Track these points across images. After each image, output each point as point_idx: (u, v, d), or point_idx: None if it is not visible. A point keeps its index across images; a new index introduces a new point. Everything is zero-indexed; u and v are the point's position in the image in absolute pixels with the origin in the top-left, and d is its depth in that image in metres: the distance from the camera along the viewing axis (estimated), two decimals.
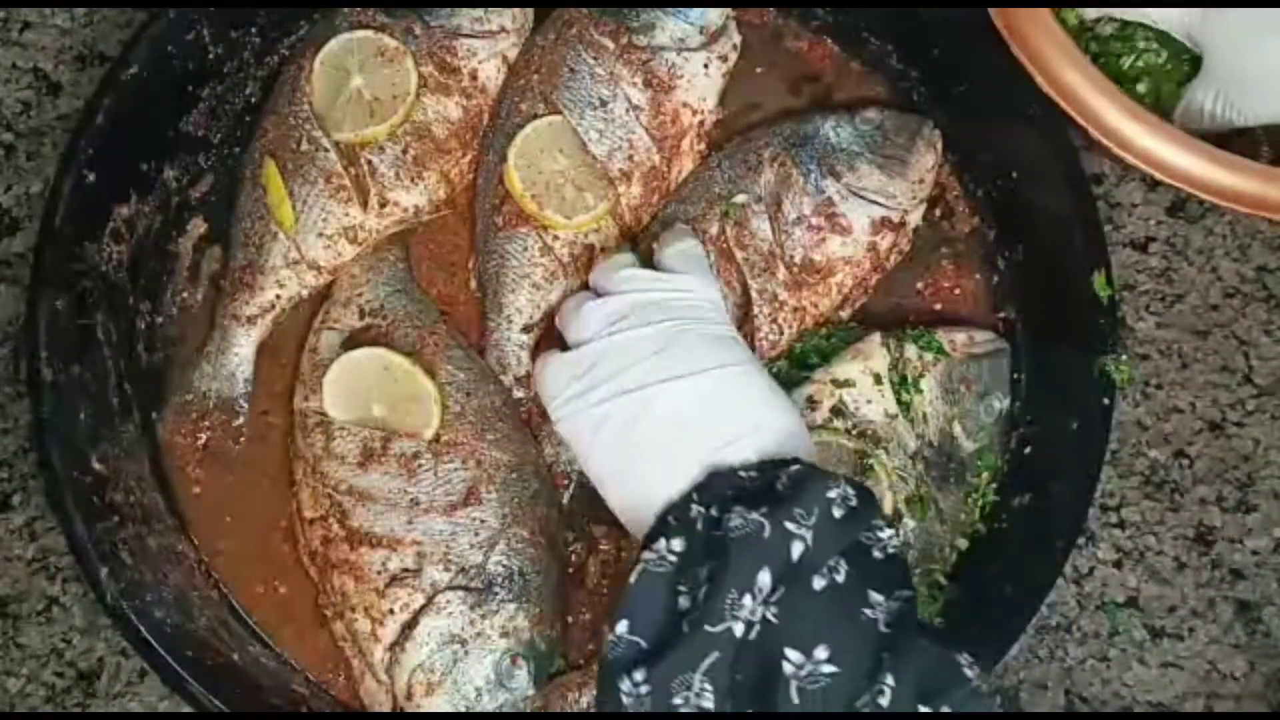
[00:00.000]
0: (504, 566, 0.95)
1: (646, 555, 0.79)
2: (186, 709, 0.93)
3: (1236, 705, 1.01)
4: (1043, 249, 1.02)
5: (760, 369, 0.89)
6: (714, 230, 1.01)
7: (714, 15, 1.05)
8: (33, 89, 1.12)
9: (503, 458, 0.97)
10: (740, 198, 1.02)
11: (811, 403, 0.98)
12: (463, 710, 0.92)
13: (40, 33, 1.13)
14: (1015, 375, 1.02)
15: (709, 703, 0.74)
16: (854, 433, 0.97)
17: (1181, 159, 0.92)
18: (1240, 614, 1.03)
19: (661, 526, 0.82)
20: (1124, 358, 0.97)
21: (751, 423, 0.85)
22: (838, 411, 0.97)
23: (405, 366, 0.98)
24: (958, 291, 1.06)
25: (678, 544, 0.79)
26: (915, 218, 1.04)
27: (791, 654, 0.74)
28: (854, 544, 0.78)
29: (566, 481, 1.01)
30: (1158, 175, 0.93)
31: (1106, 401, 0.95)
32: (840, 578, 0.76)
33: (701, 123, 1.06)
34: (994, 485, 1.00)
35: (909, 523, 0.96)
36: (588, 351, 0.89)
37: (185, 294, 1.06)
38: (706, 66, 1.05)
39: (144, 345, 1.03)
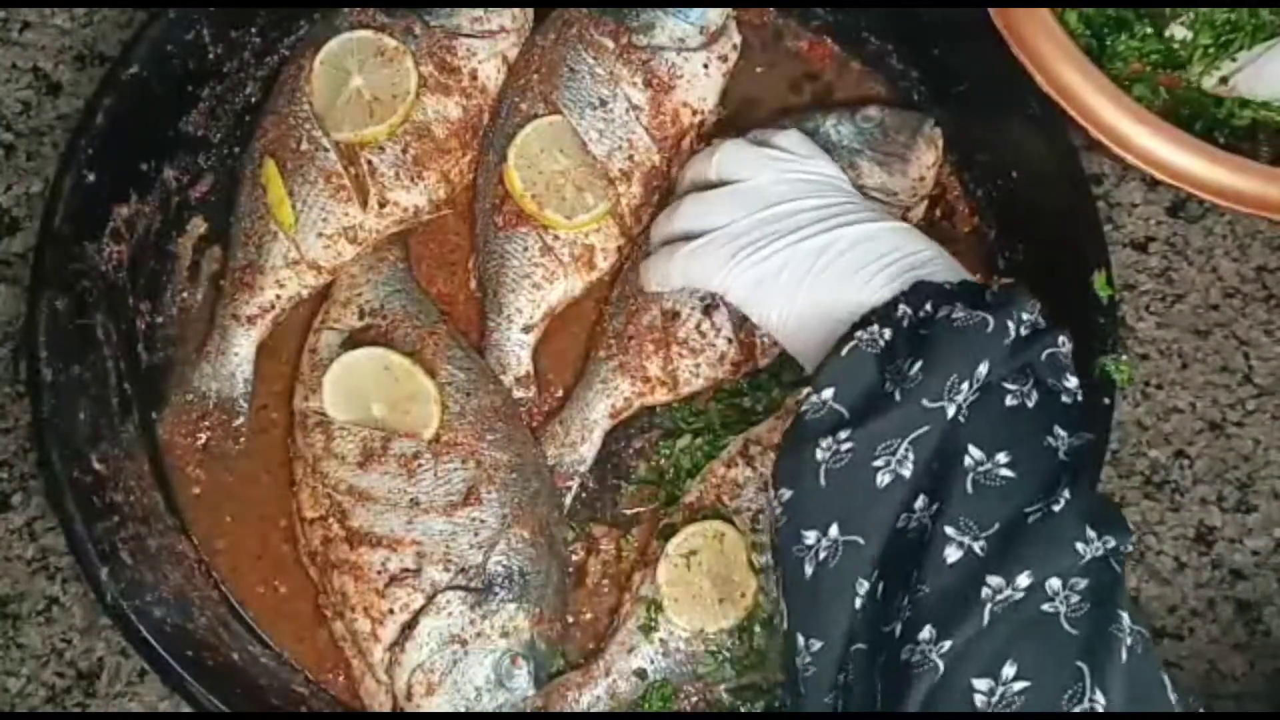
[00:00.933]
0: (504, 566, 0.95)
1: (860, 334, 0.81)
2: (186, 709, 0.93)
3: (1236, 705, 1.01)
4: (1043, 249, 1.02)
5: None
6: None
7: (714, 15, 1.05)
8: (33, 89, 1.12)
9: (503, 458, 0.97)
10: None
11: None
12: (463, 710, 0.92)
13: (40, 33, 1.13)
14: None
15: (907, 470, 0.77)
16: None
17: (1181, 159, 0.92)
18: (1240, 614, 1.03)
19: (864, 322, 0.83)
20: (1124, 358, 0.96)
21: (938, 251, 0.87)
22: None
23: (405, 366, 0.98)
24: None
25: (887, 333, 0.81)
26: (916, 214, 1.04)
27: (974, 450, 0.76)
28: (1043, 384, 0.80)
29: (569, 484, 1.01)
30: (1158, 175, 0.93)
31: (1106, 401, 0.95)
32: (1031, 403, 0.79)
33: (702, 123, 1.06)
34: None
35: None
36: (738, 229, 0.91)
37: (185, 294, 1.06)
38: (706, 66, 1.05)
39: (144, 345, 1.04)
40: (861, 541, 0.77)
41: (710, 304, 1.00)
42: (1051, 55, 0.93)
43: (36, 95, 1.12)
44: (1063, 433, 0.79)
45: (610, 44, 1.04)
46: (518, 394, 1.02)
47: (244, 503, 1.01)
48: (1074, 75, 0.93)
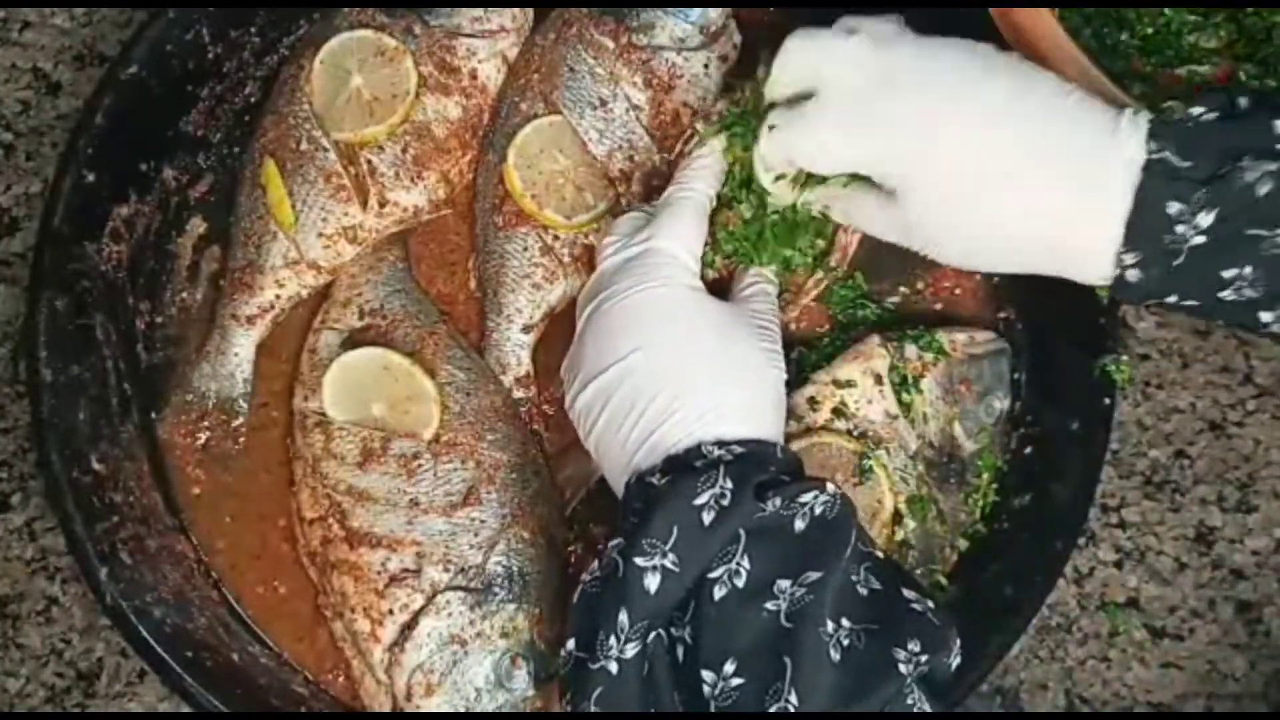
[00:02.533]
0: (504, 567, 0.95)
1: (584, 576, 0.80)
2: (186, 709, 0.93)
3: (1236, 705, 1.01)
4: None
5: (717, 332, 0.85)
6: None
7: (714, 15, 1.05)
8: (32, 89, 1.12)
9: (503, 458, 0.97)
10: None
11: (813, 403, 0.97)
12: (463, 710, 0.92)
13: (40, 32, 1.13)
14: (1015, 375, 1.02)
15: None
16: (855, 434, 0.97)
17: None
18: (1240, 614, 1.03)
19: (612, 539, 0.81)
20: (1124, 358, 0.96)
21: (664, 415, 0.81)
22: (838, 412, 0.97)
23: (405, 366, 0.98)
24: (958, 291, 1.06)
25: (597, 567, 0.80)
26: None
27: (706, 675, 0.74)
28: (759, 526, 0.76)
29: (568, 498, 1.01)
30: None
31: (1107, 401, 0.95)
32: (741, 580, 0.75)
33: None
34: (994, 485, 1.00)
35: (909, 523, 0.96)
36: (573, 344, 0.88)
37: (185, 294, 1.06)
38: (707, 66, 1.05)
39: (144, 345, 1.04)
40: None
41: None
42: (1052, 55, 0.93)
43: (36, 95, 1.12)
44: (785, 585, 0.75)
45: (610, 44, 1.04)
46: (518, 394, 1.02)
47: (244, 503, 1.01)
48: (1074, 75, 0.93)
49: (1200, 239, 0.76)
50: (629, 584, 0.76)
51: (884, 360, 0.99)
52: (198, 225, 1.07)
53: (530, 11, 1.08)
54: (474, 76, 1.05)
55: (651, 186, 1.04)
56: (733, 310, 0.88)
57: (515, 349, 1.03)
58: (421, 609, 0.93)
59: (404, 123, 1.03)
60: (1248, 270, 0.76)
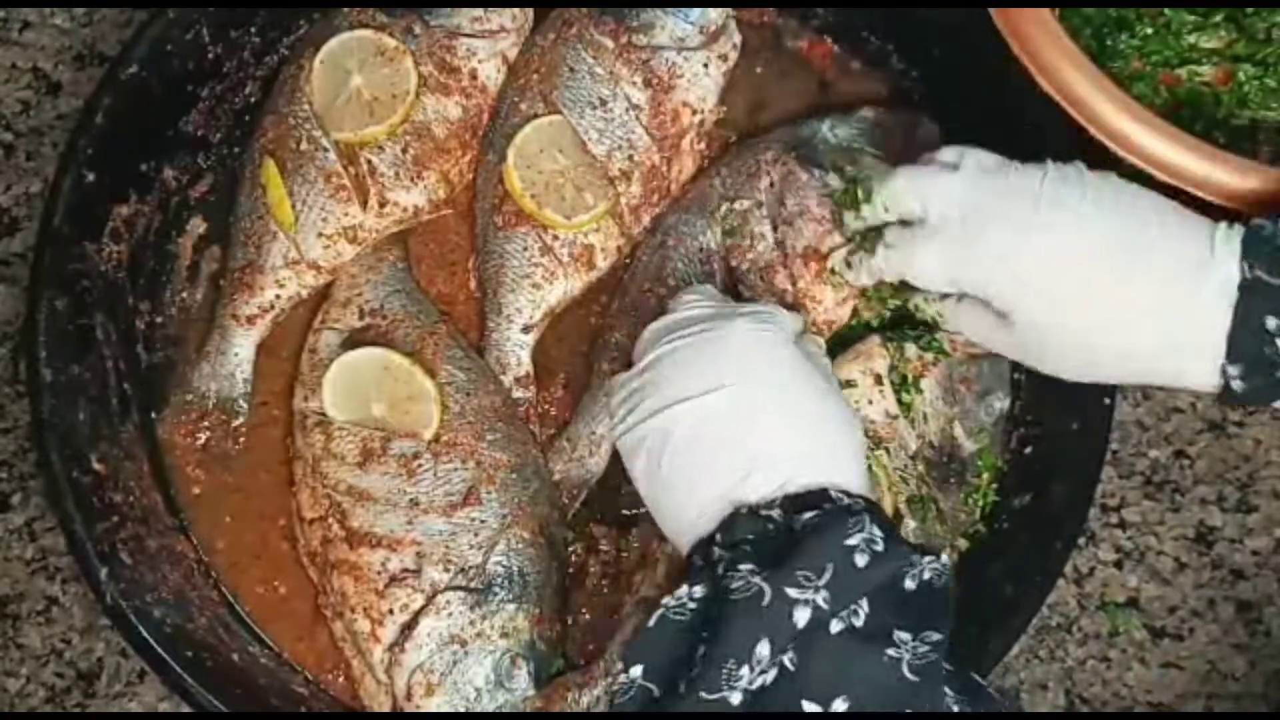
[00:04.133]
0: (504, 567, 0.94)
1: (668, 601, 0.78)
2: (186, 709, 0.93)
3: (1236, 705, 1.01)
4: None
5: (811, 381, 0.85)
6: (713, 243, 1.01)
7: (714, 15, 1.05)
8: (32, 89, 1.12)
9: (503, 458, 0.97)
10: (741, 204, 1.02)
11: None
12: (462, 710, 0.92)
13: (40, 32, 1.13)
14: (1015, 375, 1.02)
15: None
16: None
17: (1181, 159, 0.92)
18: (1240, 614, 1.03)
19: (690, 568, 0.80)
20: None
21: (774, 450, 0.80)
22: None
23: (405, 366, 0.98)
24: None
25: (699, 590, 0.77)
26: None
27: (809, 706, 0.72)
28: (881, 581, 0.75)
29: (576, 496, 1.01)
30: (1158, 175, 0.92)
31: (1107, 401, 0.95)
32: (859, 620, 0.73)
33: (701, 122, 1.06)
34: (994, 485, 1.00)
35: (909, 523, 0.96)
36: (634, 371, 0.86)
37: (185, 294, 1.06)
38: (706, 66, 1.05)
39: (144, 345, 1.04)
40: None
41: None
42: (1051, 55, 0.93)
43: (36, 95, 1.12)
44: (905, 636, 0.73)
45: (610, 44, 1.04)
46: (517, 394, 1.02)
47: (244, 503, 1.01)
48: (1074, 75, 0.93)
49: None
50: (775, 613, 0.72)
51: (884, 360, 0.99)
52: (198, 225, 1.07)
53: (530, 11, 1.08)
54: (474, 76, 1.05)
55: (651, 187, 1.04)
56: (823, 367, 0.89)
57: (515, 349, 1.03)
58: (421, 609, 0.93)
59: (404, 123, 1.03)
60: None
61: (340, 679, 0.98)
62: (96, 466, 0.96)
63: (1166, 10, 1.01)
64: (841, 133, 1.04)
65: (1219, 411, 1.06)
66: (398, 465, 0.96)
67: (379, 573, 0.94)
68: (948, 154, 0.88)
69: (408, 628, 0.93)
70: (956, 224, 0.85)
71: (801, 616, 0.73)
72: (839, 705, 0.71)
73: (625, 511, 1.02)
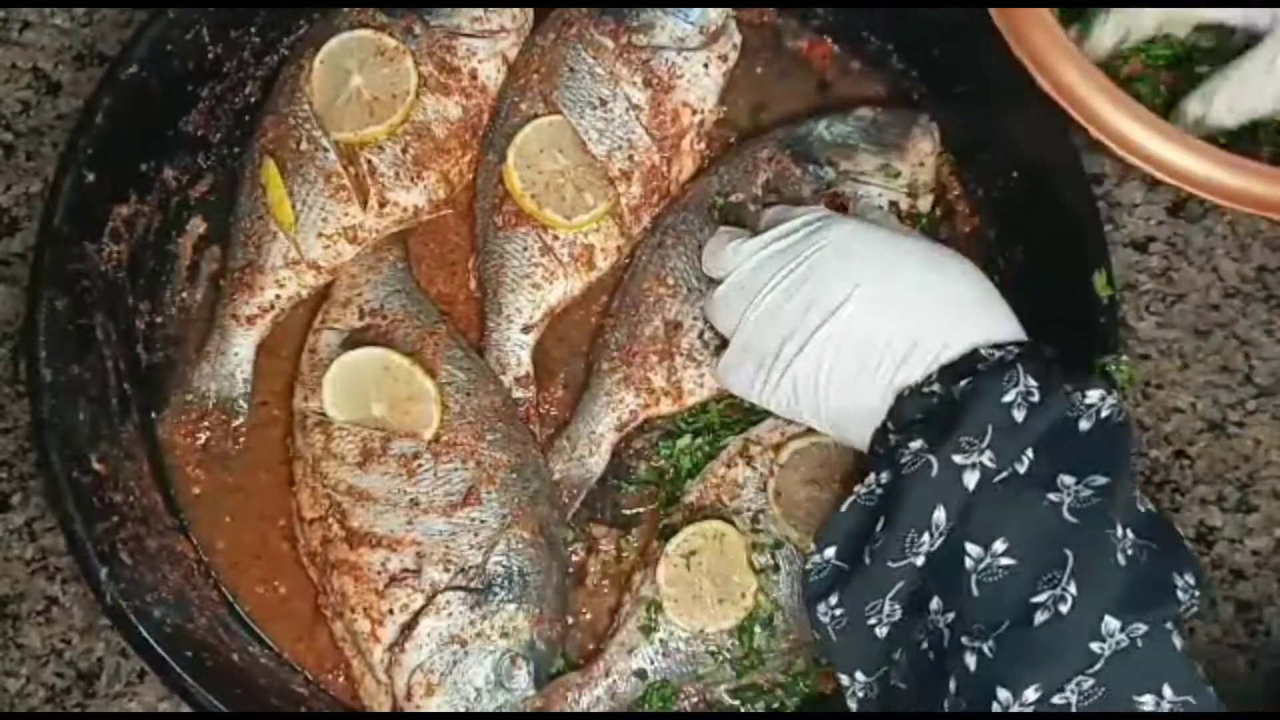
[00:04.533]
0: (504, 567, 0.94)
1: (858, 488, 0.82)
2: (186, 709, 0.93)
3: (1236, 705, 1.01)
4: (1043, 249, 1.02)
5: (915, 253, 0.87)
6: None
7: (714, 15, 1.05)
8: (32, 89, 1.12)
9: (503, 458, 0.97)
10: (736, 196, 1.02)
11: None
12: (463, 710, 0.92)
13: (40, 32, 1.13)
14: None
15: (898, 615, 0.79)
16: None
17: (1182, 159, 0.92)
18: (1240, 614, 1.02)
19: (872, 457, 0.84)
20: (1124, 358, 0.96)
21: (917, 330, 0.83)
22: None
23: (405, 366, 0.98)
24: None
25: (885, 476, 0.81)
26: (924, 205, 1.04)
27: (971, 548, 0.76)
28: (1048, 428, 0.78)
29: (576, 496, 1.01)
30: (1158, 175, 0.92)
31: None
32: (1023, 468, 0.77)
33: (701, 122, 1.06)
34: None
35: None
36: (740, 337, 0.90)
37: (185, 294, 1.06)
38: (706, 66, 1.05)
39: (144, 345, 1.04)
40: (890, 678, 0.81)
41: None
42: (1051, 55, 0.93)
43: (36, 95, 1.12)
44: (1069, 480, 0.77)
45: (610, 44, 1.04)
46: (517, 394, 1.02)
47: (244, 503, 1.01)
48: (1074, 75, 0.93)
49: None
50: (945, 480, 0.77)
51: None
52: (198, 225, 1.07)
53: (530, 11, 1.08)
54: (474, 76, 1.05)
55: (651, 186, 1.04)
56: (907, 230, 0.93)
57: (515, 349, 1.03)
58: (421, 609, 0.93)
59: (404, 123, 1.03)
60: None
61: (340, 679, 0.98)
62: (96, 466, 0.96)
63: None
64: (837, 130, 1.04)
65: (1219, 411, 1.06)
66: (398, 465, 0.96)
67: (379, 573, 0.94)
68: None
69: (408, 628, 0.93)
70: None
71: (971, 479, 0.77)
72: (998, 546, 0.75)
73: (625, 511, 1.02)
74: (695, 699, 0.96)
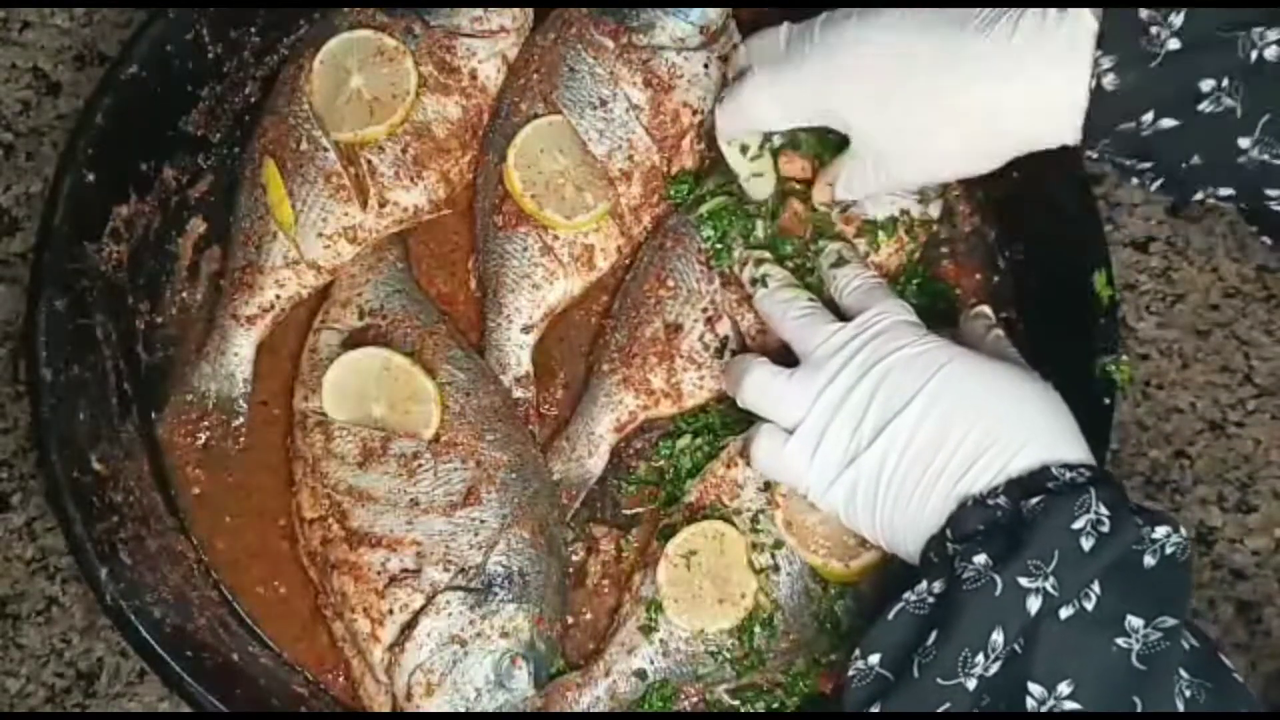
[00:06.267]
0: (504, 567, 0.94)
1: (907, 595, 0.78)
2: (186, 709, 0.93)
3: None
4: (1043, 249, 1.02)
5: (989, 366, 0.85)
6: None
7: (714, 15, 1.05)
8: (32, 89, 1.12)
9: (503, 458, 0.97)
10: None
11: None
12: (463, 710, 0.92)
13: (40, 32, 1.13)
14: None
15: None
16: None
17: None
18: (1240, 614, 1.02)
19: (925, 564, 0.81)
20: (1124, 358, 0.96)
21: (984, 439, 0.80)
22: None
23: (405, 366, 0.98)
24: (958, 291, 1.06)
25: (938, 585, 0.78)
26: (934, 211, 1.03)
27: (1034, 688, 0.72)
28: (1114, 561, 0.74)
29: (575, 497, 1.01)
30: None
31: (1107, 401, 0.95)
32: (1090, 604, 0.74)
33: (702, 122, 1.06)
34: None
35: None
36: (807, 431, 0.86)
37: (185, 294, 1.06)
38: (706, 66, 1.05)
39: (144, 345, 1.04)
40: None
41: (713, 315, 1.00)
42: None
43: (36, 95, 1.12)
44: (1138, 622, 0.73)
45: (610, 44, 1.04)
46: (517, 394, 1.02)
47: (244, 502, 1.01)
48: None
49: (1175, 42, 0.77)
50: (1008, 603, 0.73)
51: None
52: (198, 225, 1.07)
53: (530, 11, 1.08)
54: (474, 76, 1.05)
55: (651, 187, 1.04)
56: (994, 344, 0.91)
57: (515, 349, 1.03)
58: (421, 609, 0.93)
59: (404, 123, 1.03)
60: (1225, 81, 0.77)
61: (340, 679, 0.98)
62: (96, 466, 0.96)
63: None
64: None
65: (1219, 411, 1.06)
66: (398, 465, 0.96)
67: (379, 573, 0.94)
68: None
69: (408, 628, 0.93)
70: (780, 57, 0.91)
71: (1034, 604, 0.73)
72: (1063, 689, 0.72)
73: (625, 511, 1.02)
74: (695, 699, 0.96)
